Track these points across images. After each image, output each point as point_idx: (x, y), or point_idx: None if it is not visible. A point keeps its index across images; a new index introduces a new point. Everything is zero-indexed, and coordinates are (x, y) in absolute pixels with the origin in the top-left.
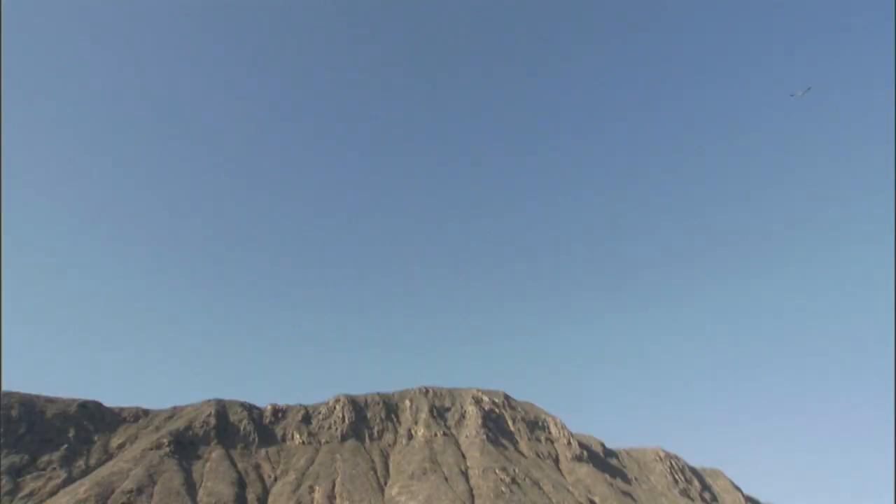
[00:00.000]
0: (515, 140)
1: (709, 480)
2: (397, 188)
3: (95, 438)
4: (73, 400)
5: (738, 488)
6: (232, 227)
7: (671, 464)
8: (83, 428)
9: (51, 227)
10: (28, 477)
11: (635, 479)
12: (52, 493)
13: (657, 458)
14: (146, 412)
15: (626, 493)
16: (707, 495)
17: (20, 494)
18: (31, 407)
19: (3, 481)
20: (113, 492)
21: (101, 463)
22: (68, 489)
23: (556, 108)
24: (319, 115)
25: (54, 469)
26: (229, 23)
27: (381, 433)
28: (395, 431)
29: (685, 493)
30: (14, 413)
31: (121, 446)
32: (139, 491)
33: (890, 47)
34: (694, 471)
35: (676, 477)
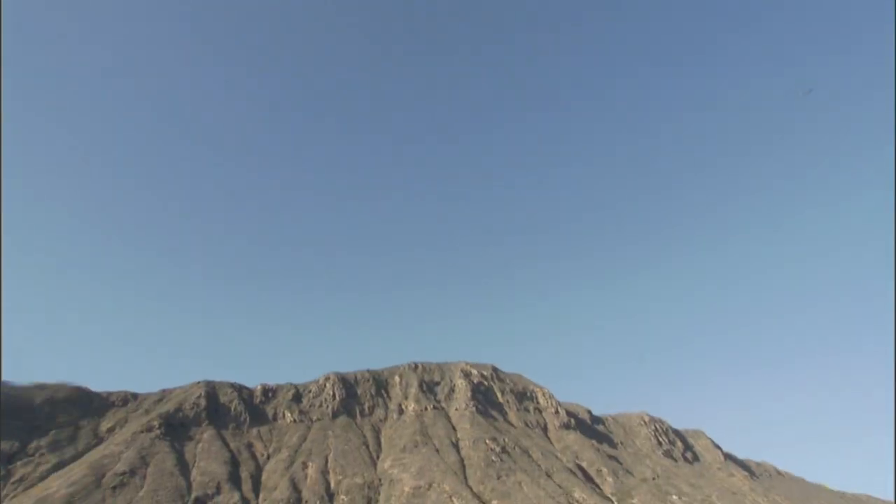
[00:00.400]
0: (498, 127)
1: (691, 441)
2: (384, 170)
3: (84, 423)
4: (61, 386)
5: (717, 447)
6: (217, 210)
7: (655, 427)
8: (71, 414)
9: (38, 216)
10: (18, 463)
11: (621, 443)
12: (43, 478)
13: (642, 423)
14: (135, 396)
15: (613, 457)
16: (689, 455)
17: (11, 480)
18: (17, 394)
19: None
20: (105, 474)
21: (91, 447)
22: (59, 473)
23: (548, 102)
24: (312, 108)
25: (43, 455)
26: (229, 23)
27: (371, 409)
28: (386, 407)
29: (668, 454)
30: (2, 400)
31: (110, 430)
32: (132, 472)
33: (890, 47)
34: (677, 433)
35: (660, 439)
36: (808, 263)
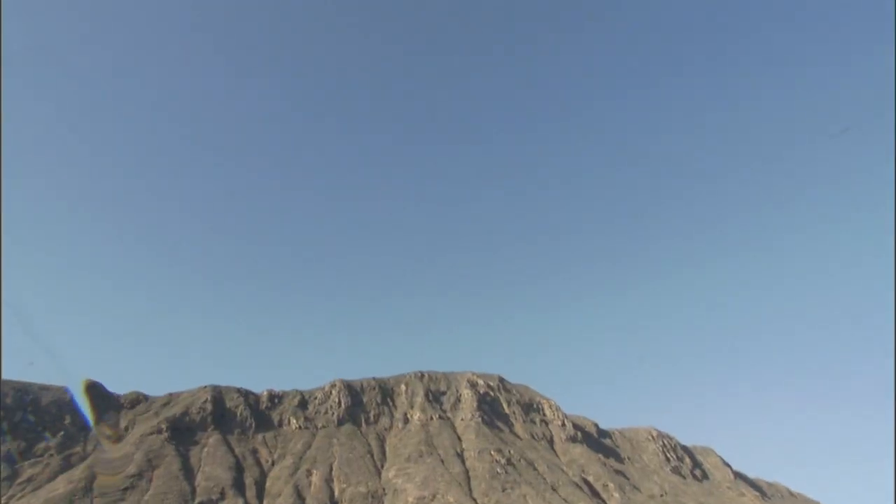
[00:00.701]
0: (505, 128)
1: (700, 458)
2: (389, 174)
3: (92, 425)
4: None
5: (727, 464)
6: (226, 216)
7: (663, 443)
8: (79, 415)
9: (49, 220)
10: (26, 463)
11: (628, 458)
12: (50, 479)
13: (650, 438)
14: (144, 397)
15: (619, 472)
16: (698, 472)
17: (18, 480)
18: (25, 394)
19: (2, 468)
20: (111, 477)
21: (98, 449)
22: (66, 475)
23: (557, 107)
24: (318, 109)
25: (52, 455)
26: (230, 23)
27: (377, 417)
28: (391, 415)
29: (676, 470)
30: (9, 401)
31: (120, 432)
32: (138, 476)
33: (890, 47)
34: (685, 449)
35: (668, 455)
36: (830, 274)
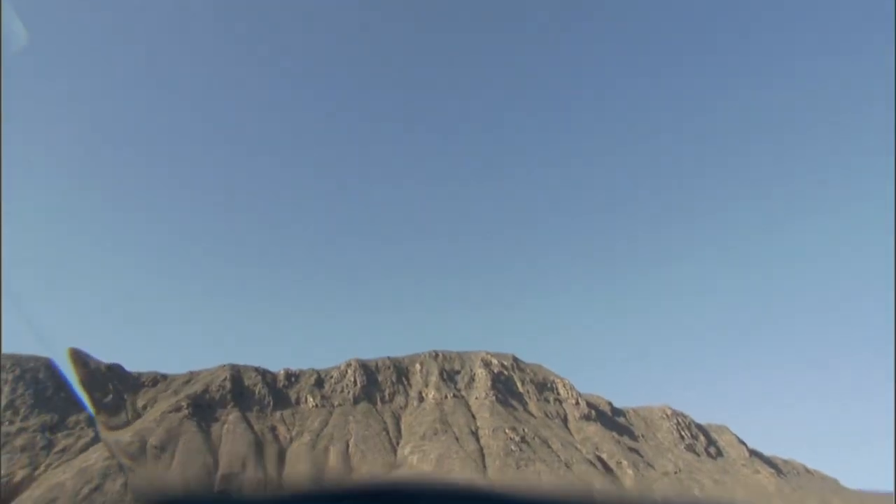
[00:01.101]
0: (516, 114)
1: (714, 436)
2: (407, 159)
3: (119, 401)
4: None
5: (742, 442)
6: (244, 198)
7: (678, 421)
8: (106, 392)
9: (72, 206)
10: (60, 434)
11: (642, 436)
12: (83, 450)
13: (664, 416)
14: (164, 377)
15: (633, 450)
16: (713, 450)
17: (55, 449)
18: (55, 370)
19: (38, 438)
20: (138, 450)
21: (125, 424)
22: (97, 446)
23: (573, 95)
24: (324, 101)
25: (83, 428)
26: (231, 21)
27: (392, 396)
28: (406, 394)
29: (691, 448)
30: (41, 375)
31: (143, 408)
32: (162, 448)
33: (890, 47)
34: (700, 427)
35: (683, 433)
36: (846, 257)
